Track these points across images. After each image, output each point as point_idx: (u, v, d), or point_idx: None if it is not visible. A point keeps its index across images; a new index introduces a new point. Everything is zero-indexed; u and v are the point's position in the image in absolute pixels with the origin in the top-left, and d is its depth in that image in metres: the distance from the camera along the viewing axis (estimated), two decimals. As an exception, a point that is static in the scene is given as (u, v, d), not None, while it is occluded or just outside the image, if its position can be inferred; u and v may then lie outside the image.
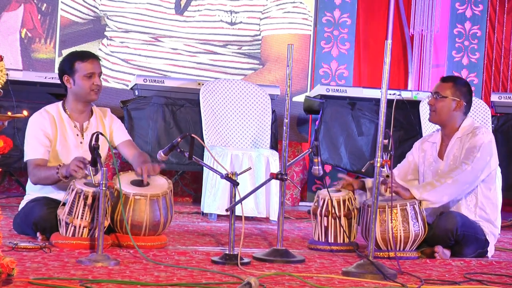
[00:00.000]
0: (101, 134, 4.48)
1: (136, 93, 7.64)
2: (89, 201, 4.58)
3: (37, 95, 7.21)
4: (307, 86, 9.07)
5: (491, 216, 5.13)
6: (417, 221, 4.86)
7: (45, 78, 7.32)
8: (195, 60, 8.85)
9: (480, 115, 7.45)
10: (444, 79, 5.25)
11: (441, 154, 5.22)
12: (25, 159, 5.02)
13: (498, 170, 6.38)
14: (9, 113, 3.53)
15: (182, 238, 5.42)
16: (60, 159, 5.02)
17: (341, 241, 5.12)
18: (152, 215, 4.76)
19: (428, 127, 7.28)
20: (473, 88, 9.20)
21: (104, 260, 4.14)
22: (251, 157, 6.72)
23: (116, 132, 5.22)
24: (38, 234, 4.81)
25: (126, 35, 8.67)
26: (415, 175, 5.34)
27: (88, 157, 4.55)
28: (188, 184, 8.22)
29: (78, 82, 5.02)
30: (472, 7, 9.48)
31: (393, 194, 4.82)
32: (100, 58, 5.17)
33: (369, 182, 5.24)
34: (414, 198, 4.90)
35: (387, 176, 4.51)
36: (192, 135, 4.63)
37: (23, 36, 8.37)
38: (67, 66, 5.05)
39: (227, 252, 4.51)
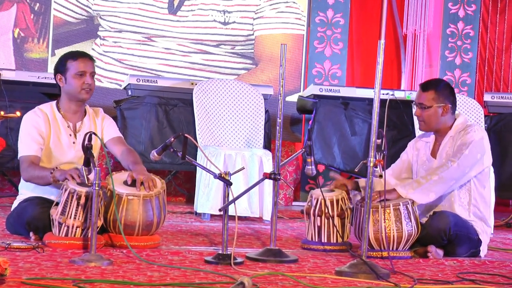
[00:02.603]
0: (94, 134, 4.48)
1: (129, 93, 7.64)
2: (82, 201, 4.57)
3: (30, 95, 7.20)
4: (300, 86, 9.07)
5: (484, 214, 5.14)
6: (410, 220, 4.86)
7: (38, 77, 7.31)
8: (188, 60, 8.84)
9: (473, 115, 7.47)
10: (424, 88, 5.17)
11: (434, 153, 5.23)
12: (18, 156, 5.02)
13: (491, 169, 6.39)
14: (2, 113, 3.53)
15: (175, 238, 5.41)
16: (53, 157, 5.02)
17: (334, 241, 5.13)
18: (145, 215, 4.76)
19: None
20: (465, 88, 9.29)
21: (97, 260, 4.14)
22: (244, 157, 6.72)
23: (106, 129, 5.22)
24: (31, 234, 4.81)
25: (119, 35, 8.66)
26: (409, 173, 5.35)
27: (81, 157, 4.54)
28: (181, 184, 8.21)
29: (70, 80, 5.02)
30: (465, 7, 9.50)
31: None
32: (94, 59, 5.17)
33: (362, 181, 5.25)
34: (402, 197, 4.92)
35: (380, 176, 4.52)
36: (185, 135, 4.63)
37: (16, 35, 8.35)
38: (60, 65, 5.07)
39: (220, 252, 4.50)
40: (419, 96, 5.19)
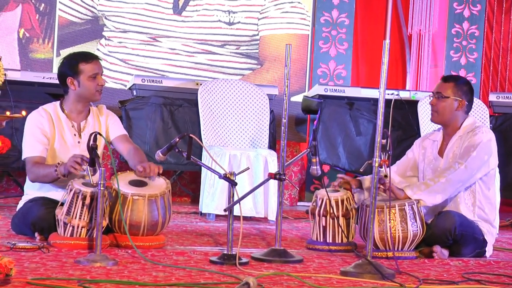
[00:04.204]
0: (99, 134, 4.48)
1: (134, 93, 7.64)
2: (87, 201, 4.58)
3: (35, 95, 7.21)
4: (305, 86, 9.07)
5: (489, 216, 5.13)
6: (416, 221, 4.86)
7: (43, 78, 7.32)
8: (193, 60, 8.85)
9: (478, 115, 7.46)
10: (445, 79, 5.24)
11: (441, 152, 5.22)
12: (23, 157, 5.03)
13: (496, 170, 6.38)
14: (8, 113, 3.53)
15: (181, 238, 5.42)
16: (58, 158, 5.02)
17: (339, 241, 5.12)
18: (150, 215, 4.76)
19: (426, 127, 7.28)
20: (471, 88, 9.24)
21: (103, 260, 4.14)
22: (249, 157, 6.72)
23: (111, 127, 5.22)
24: (36, 234, 4.81)
25: (124, 35, 8.67)
26: (414, 172, 5.35)
27: (86, 156, 4.55)
28: (186, 184, 8.22)
29: (84, 83, 5.02)
30: (470, 7, 9.49)
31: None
32: (100, 58, 5.19)
33: (366, 181, 5.24)
34: (409, 198, 4.92)
35: (385, 176, 4.51)
36: (190, 135, 4.63)
37: (21, 36, 8.36)
38: (71, 68, 5.03)
39: (225, 252, 4.51)
40: (438, 86, 5.22)
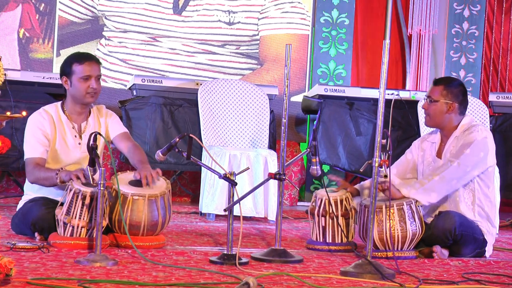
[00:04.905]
0: (99, 134, 4.48)
1: (134, 93, 7.64)
2: (87, 201, 4.58)
3: (35, 95, 7.21)
4: (305, 86, 9.07)
5: (489, 214, 5.13)
6: (414, 220, 4.86)
7: (43, 78, 7.32)
8: (193, 60, 8.85)
9: (478, 115, 7.46)
10: (435, 82, 5.25)
11: (439, 154, 5.22)
12: (24, 158, 5.03)
13: (496, 170, 6.38)
14: (8, 113, 3.53)
15: (180, 238, 5.42)
16: (58, 159, 5.02)
17: (339, 241, 5.12)
18: (150, 215, 4.76)
19: (425, 127, 7.28)
20: (470, 88, 9.28)
21: (102, 260, 4.14)
22: (249, 157, 6.72)
23: (111, 126, 5.21)
24: (36, 234, 4.81)
25: (124, 35, 8.67)
26: (414, 173, 5.35)
27: (87, 157, 4.55)
28: (186, 184, 8.22)
29: (75, 84, 5.01)
30: (470, 7, 9.49)
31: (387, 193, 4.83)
32: (100, 61, 5.13)
33: (364, 183, 5.25)
34: (405, 197, 4.92)
35: (385, 176, 4.51)
36: (190, 135, 4.63)
37: (21, 36, 8.36)
38: (66, 67, 5.05)
39: (225, 252, 4.51)
40: (429, 89, 5.25)
